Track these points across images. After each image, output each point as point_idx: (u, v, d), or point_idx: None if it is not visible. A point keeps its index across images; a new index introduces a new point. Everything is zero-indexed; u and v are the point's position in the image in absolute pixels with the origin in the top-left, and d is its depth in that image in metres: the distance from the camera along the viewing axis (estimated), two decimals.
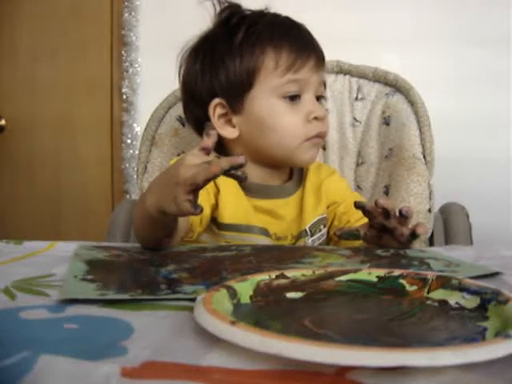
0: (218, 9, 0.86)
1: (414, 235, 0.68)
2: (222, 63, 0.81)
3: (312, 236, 0.87)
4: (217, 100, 0.82)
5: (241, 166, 0.53)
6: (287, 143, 0.81)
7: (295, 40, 0.81)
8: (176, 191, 0.54)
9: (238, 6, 0.85)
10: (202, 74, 0.84)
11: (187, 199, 0.54)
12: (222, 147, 0.87)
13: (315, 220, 0.87)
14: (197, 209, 0.54)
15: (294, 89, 0.81)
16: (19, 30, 1.84)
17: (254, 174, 0.86)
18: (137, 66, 1.76)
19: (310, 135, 0.82)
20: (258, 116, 0.81)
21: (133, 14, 1.75)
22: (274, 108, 0.81)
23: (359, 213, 0.84)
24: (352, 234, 0.74)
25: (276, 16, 0.85)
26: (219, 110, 0.83)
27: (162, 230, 0.64)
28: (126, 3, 1.75)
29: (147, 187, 0.66)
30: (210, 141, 0.57)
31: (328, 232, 0.91)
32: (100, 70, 1.81)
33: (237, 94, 0.81)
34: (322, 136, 0.84)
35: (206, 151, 0.57)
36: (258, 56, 0.80)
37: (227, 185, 0.82)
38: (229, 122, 0.83)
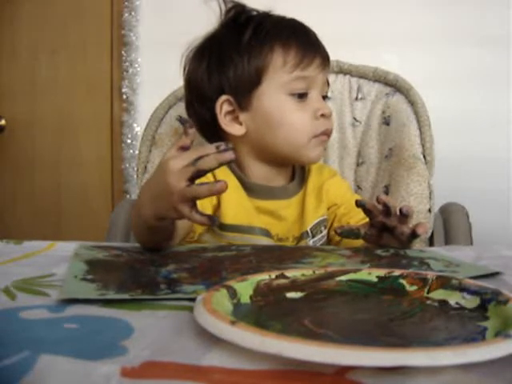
0: (224, 8, 0.86)
1: (414, 235, 0.68)
2: (231, 61, 0.81)
3: (313, 237, 0.87)
4: (224, 97, 0.82)
5: (230, 161, 0.53)
6: (294, 140, 0.82)
7: (302, 38, 0.82)
8: (173, 201, 0.54)
9: (243, 6, 0.85)
10: (208, 73, 0.84)
11: (191, 208, 0.54)
12: None
13: (316, 221, 0.87)
14: (213, 221, 0.54)
15: (302, 86, 0.81)
16: (19, 30, 1.84)
17: (258, 173, 0.86)
18: (137, 66, 1.76)
19: (317, 132, 0.82)
20: (265, 112, 0.82)
21: (133, 14, 1.75)
22: (282, 104, 0.81)
23: (359, 215, 0.83)
24: (352, 233, 0.73)
25: (282, 16, 0.86)
26: (226, 107, 0.83)
27: (161, 235, 0.64)
28: (125, 3, 1.76)
29: (138, 197, 0.66)
30: (188, 140, 0.56)
31: (328, 233, 0.91)
32: (100, 70, 1.81)
33: (245, 91, 0.82)
34: (328, 133, 0.84)
35: (184, 150, 0.57)
36: (266, 53, 0.81)
37: (230, 185, 0.82)
38: (236, 120, 0.83)
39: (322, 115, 0.82)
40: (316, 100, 0.83)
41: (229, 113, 0.83)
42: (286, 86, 0.81)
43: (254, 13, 0.86)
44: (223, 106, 0.83)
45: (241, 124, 0.83)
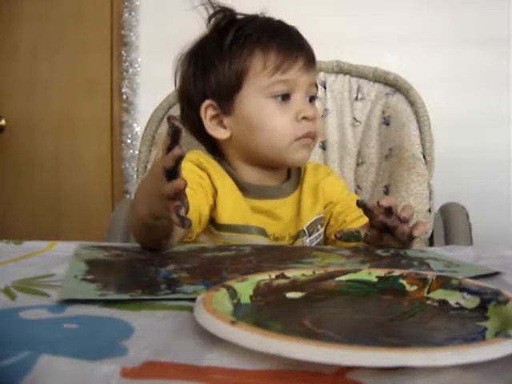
0: (212, 13, 0.86)
1: (413, 235, 0.68)
2: (212, 66, 0.82)
3: (310, 236, 0.87)
4: (208, 102, 0.83)
5: (180, 155, 0.50)
6: (276, 143, 0.82)
7: (283, 41, 0.82)
8: (166, 203, 0.52)
9: (230, 10, 0.85)
10: (194, 78, 0.85)
11: (175, 207, 0.51)
12: (215, 148, 0.88)
13: (312, 220, 0.87)
14: (183, 224, 0.51)
15: (282, 89, 0.81)
16: (19, 30, 1.84)
17: (251, 174, 0.86)
18: (137, 66, 1.76)
19: (298, 135, 0.81)
20: (247, 116, 0.82)
21: (133, 14, 1.75)
22: (262, 108, 0.81)
23: (356, 212, 0.83)
24: (352, 235, 0.73)
25: (266, 19, 0.86)
26: (210, 112, 0.84)
27: (159, 233, 0.64)
28: (126, 3, 1.76)
29: (134, 196, 0.65)
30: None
31: (325, 232, 0.91)
32: (100, 70, 1.81)
33: (227, 96, 0.82)
34: (311, 136, 0.83)
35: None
36: (246, 57, 0.81)
37: (225, 186, 0.83)
38: (220, 124, 0.84)
39: (304, 117, 0.81)
40: (298, 103, 0.82)
41: (214, 117, 0.84)
42: (266, 89, 0.81)
43: (240, 17, 0.85)
44: (208, 111, 0.84)
45: (225, 128, 0.84)
